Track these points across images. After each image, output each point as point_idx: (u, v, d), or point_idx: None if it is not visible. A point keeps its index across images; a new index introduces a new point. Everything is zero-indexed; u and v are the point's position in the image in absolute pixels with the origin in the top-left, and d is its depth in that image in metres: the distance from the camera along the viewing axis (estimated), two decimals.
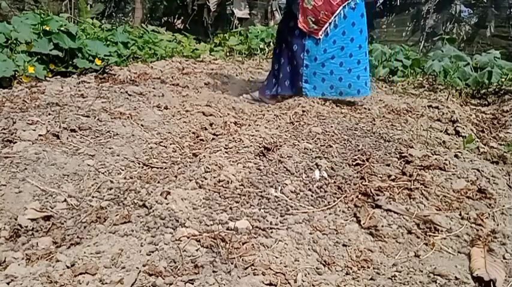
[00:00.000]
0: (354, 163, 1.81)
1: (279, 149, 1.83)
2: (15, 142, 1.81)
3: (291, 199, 1.50)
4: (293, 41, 2.83)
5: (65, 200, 1.48)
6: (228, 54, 5.01)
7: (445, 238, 1.35)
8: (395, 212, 1.44)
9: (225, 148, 1.85)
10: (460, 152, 1.98)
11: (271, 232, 1.31)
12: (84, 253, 1.16)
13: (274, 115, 2.39)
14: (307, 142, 1.96)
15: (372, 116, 2.64)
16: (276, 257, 1.19)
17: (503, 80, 3.84)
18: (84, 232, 1.32)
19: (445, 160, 1.85)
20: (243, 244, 1.23)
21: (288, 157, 1.77)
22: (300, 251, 1.24)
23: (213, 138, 2.23)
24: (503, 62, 3.94)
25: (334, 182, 1.64)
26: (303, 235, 1.30)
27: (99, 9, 9.96)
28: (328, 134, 2.08)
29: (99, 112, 2.34)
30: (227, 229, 1.30)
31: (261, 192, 1.52)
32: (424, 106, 2.94)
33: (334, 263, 1.21)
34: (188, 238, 1.22)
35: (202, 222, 1.32)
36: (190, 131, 2.32)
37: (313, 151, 1.87)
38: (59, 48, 3.22)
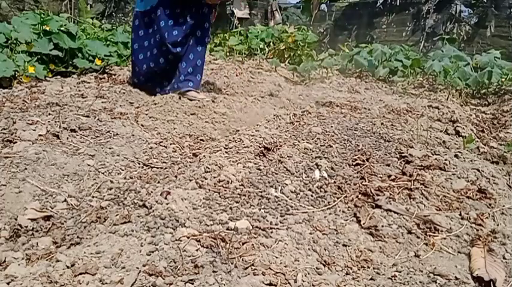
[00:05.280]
0: (354, 163, 1.81)
1: (279, 149, 1.83)
2: (15, 142, 1.81)
3: (291, 199, 1.50)
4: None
5: (65, 200, 1.48)
6: (228, 54, 5.01)
7: (445, 238, 1.35)
8: (395, 212, 1.44)
9: (225, 148, 1.85)
10: (460, 152, 1.98)
11: (271, 232, 1.31)
12: (84, 253, 1.16)
13: (274, 115, 2.39)
14: (307, 142, 1.96)
15: (372, 116, 2.64)
16: (276, 257, 1.19)
17: (503, 80, 3.84)
18: (84, 232, 1.32)
19: (445, 160, 1.85)
20: (243, 244, 1.23)
21: (288, 157, 1.77)
22: (300, 251, 1.24)
23: (213, 138, 2.23)
24: (503, 62, 3.94)
25: (334, 182, 1.64)
26: (303, 235, 1.30)
27: (99, 9, 9.95)
28: (328, 134, 2.08)
29: (99, 112, 2.34)
30: (227, 229, 1.30)
31: (261, 192, 1.52)
32: (424, 106, 2.94)
33: (334, 263, 1.21)
34: (188, 238, 1.22)
35: (202, 222, 1.32)
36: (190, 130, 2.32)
37: (313, 151, 1.87)
38: (59, 48, 3.22)
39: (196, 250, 1.18)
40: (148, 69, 2.95)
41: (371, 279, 1.16)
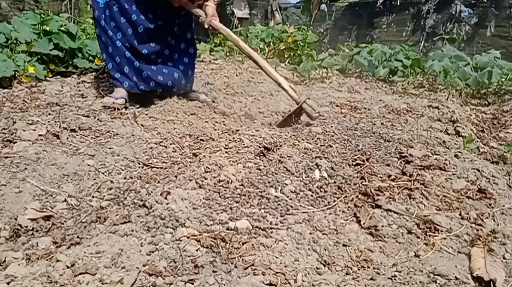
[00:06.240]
0: (354, 163, 1.81)
1: (279, 149, 1.83)
2: (15, 142, 1.81)
3: (291, 199, 1.50)
4: None
5: (65, 200, 1.48)
6: (228, 54, 5.00)
7: (445, 238, 1.35)
8: (395, 212, 1.44)
9: (225, 148, 1.85)
10: (460, 152, 1.98)
11: (271, 232, 1.31)
12: (84, 253, 1.16)
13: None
14: (307, 142, 1.96)
15: (372, 116, 2.64)
16: (276, 257, 1.19)
17: (503, 80, 3.84)
18: (84, 232, 1.32)
19: (445, 160, 1.85)
20: (243, 244, 1.23)
21: (288, 157, 1.77)
22: (300, 251, 1.24)
23: (213, 138, 2.23)
24: (503, 62, 3.93)
25: (334, 182, 1.64)
26: (303, 235, 1.31)
27: None
28: (328, 134, 2.08)
29: (99, 112, 2.34)
30: (227, 229, 1.30)
31: (261, 192, 1.52)
32: (424, 106, 2.94)
33: (334, 263, 1.21)
34: (188, 238, 1.22)
35: (202, 222, 1.32)
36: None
37: (313, 151, 1.87)
38: (59, 48, 3.21)
39: (196, 250, 1.18)
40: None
41: (371, 279, 1.16)
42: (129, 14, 2.56)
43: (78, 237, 1.29)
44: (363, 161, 1.81)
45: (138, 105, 2.64)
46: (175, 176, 1.66)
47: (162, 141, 2.07)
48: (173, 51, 2.78)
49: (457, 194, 1.60)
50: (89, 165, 1.72)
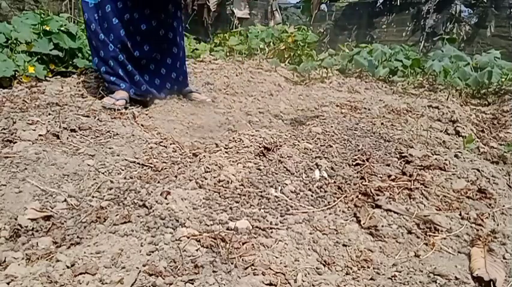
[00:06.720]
0: (354, 163, 1.81)
1: (279, 149, 1.83)
2: (15, 142, 1.81)
3: (291, 199, 1.50)
4: None
5: (65, 200, 1.48)
6: (228, 54, 5.00)
7: (445, 238, 1.35)
8: (395, 212, 1.44)
9: (225, 148, 1.85)
10: (460, 152, 1.98)
11: (271, 232, 1.31)
12: (84, 253, 1.16)
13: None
14: (307, 142, 1.96)
15: (372, 116, 2.64)
16: (276, 257, 1.19)
17: (503, 80, 3.84)
18: (84, 232, 1.32)
19: (445, 160, 1.85)
20: (243, 244, 1.23)
21: (288, 157, 1.77)
22: (300, 251, 1.24)
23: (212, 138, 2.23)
24: (503, 62, 3.93)
25: (334, 182, 1.64)
26: (303, 235, 1.31)
27: None
28: (328, 134, 2.08)
29: (99, 112, 2.34)
30: (227, 229, 1.30)
31: (261, 192, 1.52)
32: (424, 106, 2.94)
33: (334, 263, 1.21)
34: (188, 238, 1.22)
35: (202, 222, 1.32)
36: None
37: (313, 151, 1.87)
38: (59, 48, 3.21)
39: (196, 250, 1.18)
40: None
41: (371, 279, 1.16)
42: (122, 14, 2.53)
43: (78, 237, 1.29)
44: (363, 161, 1.81)
45: (138, 105, 2.64)
46: (175, 176, 1.66)
47: (162, 141, 2.07)
48: (157, 52, 2.78)
49: (457, 194, 1.60)
50: (89, 165, 1.72)
